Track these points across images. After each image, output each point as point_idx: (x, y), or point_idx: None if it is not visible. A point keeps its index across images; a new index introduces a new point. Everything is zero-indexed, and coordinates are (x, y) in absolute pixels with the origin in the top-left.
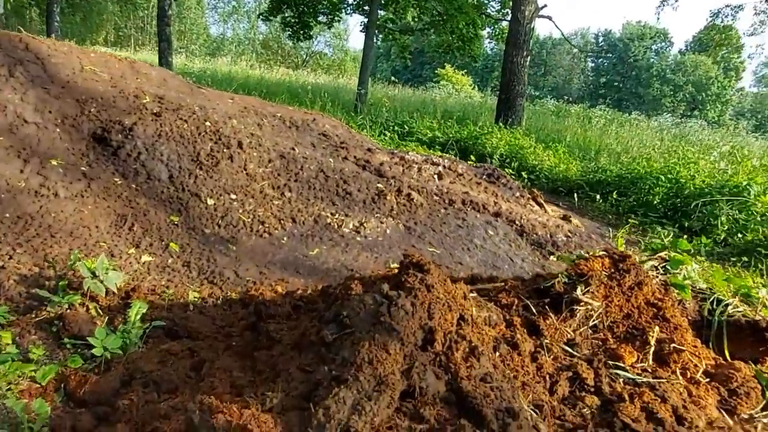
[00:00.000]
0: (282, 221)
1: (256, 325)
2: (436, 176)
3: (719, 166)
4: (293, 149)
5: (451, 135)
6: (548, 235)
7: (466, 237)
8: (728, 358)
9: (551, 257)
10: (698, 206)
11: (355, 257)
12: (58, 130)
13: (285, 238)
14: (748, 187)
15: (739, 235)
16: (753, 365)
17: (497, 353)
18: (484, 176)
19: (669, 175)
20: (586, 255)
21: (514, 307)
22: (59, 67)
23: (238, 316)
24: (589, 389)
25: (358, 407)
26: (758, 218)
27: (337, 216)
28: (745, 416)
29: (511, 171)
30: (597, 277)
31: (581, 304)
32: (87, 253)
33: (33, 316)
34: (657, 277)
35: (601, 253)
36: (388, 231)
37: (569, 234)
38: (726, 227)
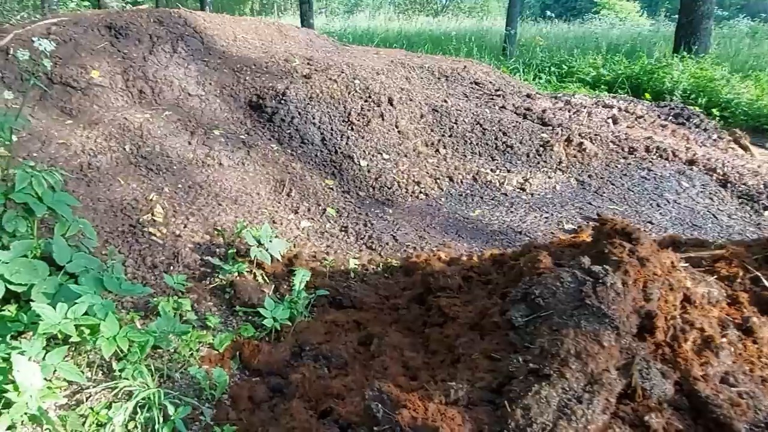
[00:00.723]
0: (438, 180)
1: (424, 298)
2: (610, 120)
3: None
4: (445, 101)
5: (619, 71)
6: (761, 185)
7: (655, 191)
8: None
9: (766, 212)
10: None
11: (522, 218)
12: (218, 100)
13: (443, 199)
14: None
15: None
16: None
17: (725, 341)
18: (671, 117)
19: None
20: None
21: (738, 280)
22: (215, 38)
23: (401, 286)
24: None
25: (566, 410)
26: None
27: (498, 172)
28: None
29: (698, 109)
30: None
31: None
32: (251, 220)
33: (207, 283)
34: None
35: None
36: (557, 187)
37: None
38: None
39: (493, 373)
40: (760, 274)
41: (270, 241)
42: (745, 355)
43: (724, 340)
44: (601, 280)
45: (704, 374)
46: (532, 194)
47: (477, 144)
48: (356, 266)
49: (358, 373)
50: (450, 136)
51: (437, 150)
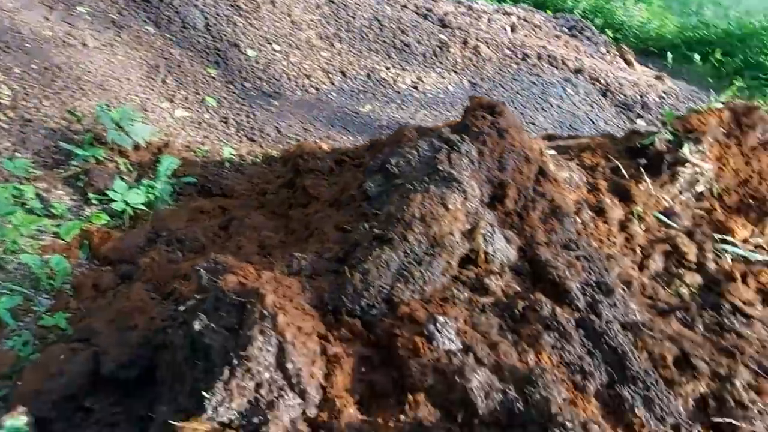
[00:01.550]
0: (330, 75)
1: (293, 182)
2: (508, 28)
3: None
4: None
5: None
6: (638, 96)
7: (541, 95)
8: None
9: (639, 120)
10: None
11: (412, 115)
12: None
13: (333, 94)
14: None
15: None
16: None
17: (579, 220)
18: (565, 29)
19: None
20: (699, 108)
21: (600, 169)
22: None
23: (276, 174)
24: (689, 266)
25: (405, 273)
26: None
27: (392, 70)
28: None
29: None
30: (711, 133)
31: (687, 165)
32: (117, 107)
33: (60, 171)
34: None
35: (719, 105)
36: (450, 87)
37: (663, 95)
38: None
39: (342, 244)
40: (619, 164)
41: (131, 125)
42: (596, 234)
43: (579, 220)
44: (456, 148)
45: (547, 241)
46: (424, 93)
47: (374, 40)
48: (232, 156)
49: (211, 255)
50: (347, 30)
51: (332, 44)
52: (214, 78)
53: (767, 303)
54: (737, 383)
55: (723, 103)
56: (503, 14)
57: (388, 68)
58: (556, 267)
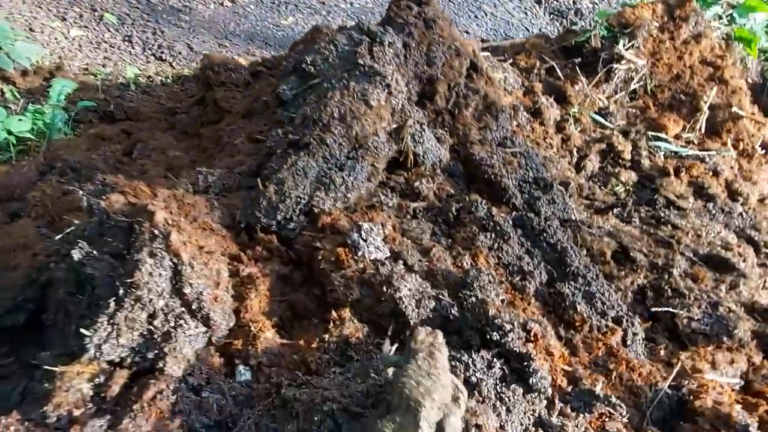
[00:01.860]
0: None
1: (205, 98)
2: None
3: None
4: None
5: None
6: (571, 2)
7: (474, 3)
8: None
9: (573, 27)
10: None
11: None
12: None
13: (252, 6)
14: None
15: None
16: None
17: (515, 122)
18: None
19: None
20: (633, 3)
21: (535, 71)
22: None
23: (188, 94)
24: (625, 164)
25: (325, 180)
26: None
27: None
28: None
29: None
30: (645, 27)
31: (622, 62)
32: None
33: None
34: (719, 28)
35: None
36: None
37: (596, 1)
38: None
39: (255, 155)
40: (554, 64)
41: (12, 44)
42: (532, 136)
43: (515, 123)
44: (378, 40)
45: (482, 138)
46: (351, 3)
47: None
48: (138, 77)
49: (98, 176)
50: None
51: None
52: None
53: (699, 195)
54: (675, 272)
55: None
56: None
57: None
58: (491, 165)
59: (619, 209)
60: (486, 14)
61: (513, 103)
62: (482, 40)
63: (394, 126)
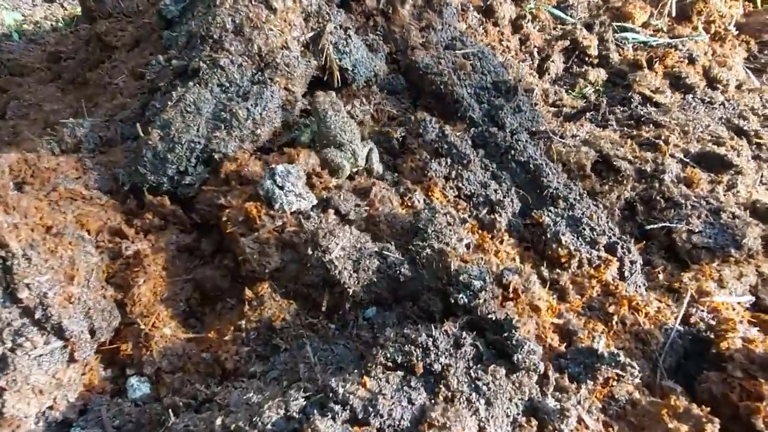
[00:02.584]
0: None
1: (90, 36)
2: None
3: None
4: None
5: None
6: None
7: None
8: (759, 2)
9: None
10: None
11: None
12: None
13: None
14: None
15: None
16: None
17: (464, 25)
18: None
19: None
20: None
21: None
22: None
23: (82, 37)
24: (592, 62)
25: (224, 116)
26: None
27: None
28: None
29: None
30: None
31: None
32: None
33: None
34: None
35: None
36: None
37: None
38: None
39: (140, 95)
40: None
41: None
42: (486, 41)
43: (464, 24)
44: None
45: (425, 41)
46: None
47: None
48: (18, 23)
49: None
50: None
51: None
52: None
53: (677, 87)
54: (666, 178)
55: None
56: None
57: None
58: (439, 73)
59: (592, 113)
60: None
61: (460, 1)
62: None
63: (310, 34)
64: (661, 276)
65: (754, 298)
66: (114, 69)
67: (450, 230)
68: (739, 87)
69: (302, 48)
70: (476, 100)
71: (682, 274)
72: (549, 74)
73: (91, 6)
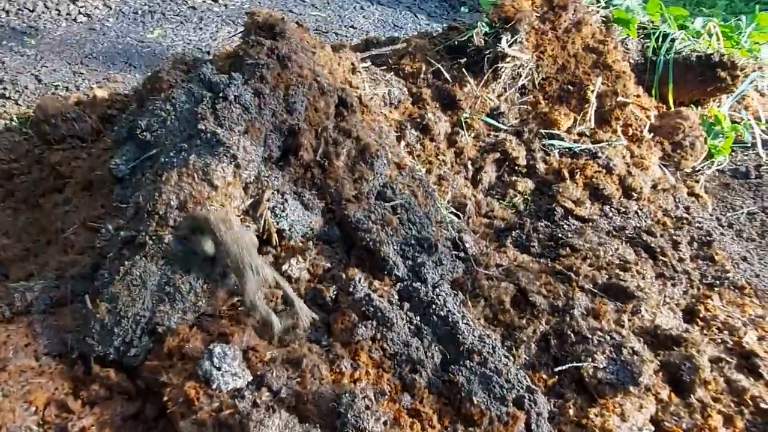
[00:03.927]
0: None
1: (43, 157)
2: None
3: None
4: None
5: None
6: None
7: None
8: (672, 104)
9: (462, 8)
10: None
11: (213, 34)
12: None
13: (111, 20)
14: None
15: None
16: (695, 109)
17: (402, 143)
18: None
19: None
20: None
21: (421, 76)
22: None
23: (32, 144)
24: (521, 170)
25: (168, 288)
26: None
27: None
28: (688, 170)
29: None
30: (527, 21)
31: (507, 60)
32: None
33: None
34: (597, 12)
35: None
36: None
37: None
38: None
39: (91, 252)
40: (441, 67)
41: None
42: (423, 156)
43: (403, 143)
44: (222, 95)
45: (357, 194)
46: (225, 5)
47: None
48: None
49: None
50: None
51: None
52: None
53: (596, 197)
54: (575, 313)
55: None
56: None
57: None
58: (368, 230)
59: (518, 231)
60: (371, 3)
61: (400, 120)
62: (367, 43)
63: (249, 201)
64: (571, 411)
65: (653, 428)
66: (66, 214)
67: (367, 414)
68: (654, 187)
69: (241, 215)
70: (401, 256)
71: (589, 409)
72: (482, 184)
73: (45, 130)
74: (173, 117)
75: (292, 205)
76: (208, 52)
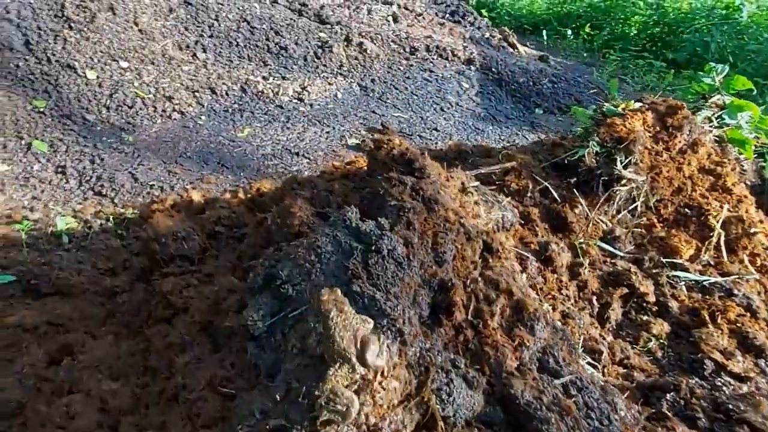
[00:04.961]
0: (197, 93)
1: (149, 276)
2: (390, 18)
3: None
4: None
5: None
6: (531, 83)
7: (437, 93)
8: None
9: (537, 110)
10: (684, 34)
11: (300, 134)
12: None
13: (203, 118)
14: (740, 6)
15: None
16: None
17: (524, 276)
18: (447, 14)
19: (648, 0)
20: (616, 108)
21: (528, 194)
22: None
23: (131, 252)
24: (651, 308)
25: None
26: (751, 44)
27: (271, 80)
28: None
29: (471, 8)
30: (641, 141)
31: (623, 182)
32: None
33: None
34: (711, 131)
35: (638, 105)
36: (339, 94)
37: (554, 80)
38: (716, 57)
39: (225, 425)
40: (548, 185)
41: None
42: (545, 289)
43: (524, 276)
44: (375, 247)
45: (520, 364)
46: (311, 105)
47: (245, 46)
48: (70, 227)
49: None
50: (210, 36)
51: (194, 54)
52: (42, 113)
53: (744, 347)
54: None
55: (641, 101)
56: (383, 3)
57: (265, 78)
58: (546, 420)
59: (673, 395)
60: (451, 105)
61: (517, 248)
62: (459, 154)
63: (414, 383)
64: None
65: None
66: (188, 366)
67: None
68: None
69: (406, 401)
70: None
71: None
72: (610, 322)
73: (155, 249)
74: (318, 269)
75: (458, 385)
76: (297, 153)
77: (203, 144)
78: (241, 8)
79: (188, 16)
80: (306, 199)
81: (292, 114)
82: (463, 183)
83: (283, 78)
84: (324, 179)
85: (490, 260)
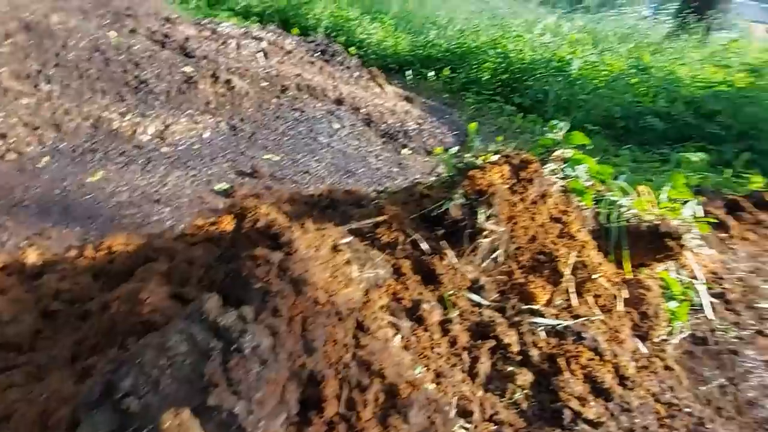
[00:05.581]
0: (38, 131)
1: None
2: (260, 54)
3: (544, 39)
4: (46, 17)
5: (268, 3)
6: (398, 124)
7: (309, 134)
8: (629, 271)
9: (404, 150)
10: (527, 82)
11: (162, 178)
12: None
13: (45, 159)
14: (570, 60)
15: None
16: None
17: (398, 337)
18: (318, 53)
19: (497, 50)
20: (477, 159)
21: (399, 247)
22: None
23: None
24: (515, 358)
25: None
26: (581, 94)
27: (129, 117)
28: (657, 340)
29: (340, 46)
30: (500, 194)
31: (486, 233)
32: None
33: None
34: (556, 183)
35: (495, 157)
36: (206, 134)
37: (420, 121)
38: (554, 104)
39: None
40: (417, 237)
41: None
42: (419, 348)
43: (400, 338)
44: (236, 346)
45: None
46: (175, 145)
47: (98, 78)
48: None
49: None
50: (56, 65)
51: (36, 86)
52: None
53: (597, 392)
54: None
55: (497, 153)
56: (252, 38)
57: (122, 114)
58: None
59: None
60: (322, 146)
61: (390, 305)
62: (331, 203)
63: None
64: None
65: None
66: None
67: None
68: (636, 361)
69: None
70: None
71: None
72: (479, 377)
73: None
74: (169, 377)
75: None
76: (158, 200)
77: (44, 190)
78: (93, 36)
79: (30, 44)
80: (162, 274)
81: (152, 155)
82: (335, 241)
83: (143, 115)
84: (185, 243)
85: (362, 339)
